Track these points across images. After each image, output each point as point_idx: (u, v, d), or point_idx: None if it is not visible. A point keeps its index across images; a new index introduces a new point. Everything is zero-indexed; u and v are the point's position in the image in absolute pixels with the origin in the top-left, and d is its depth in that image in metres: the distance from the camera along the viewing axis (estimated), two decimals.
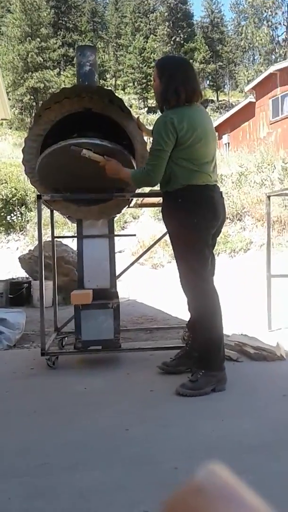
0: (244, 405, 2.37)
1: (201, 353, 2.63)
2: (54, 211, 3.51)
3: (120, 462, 1.77)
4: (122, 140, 3.10)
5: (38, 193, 3.04)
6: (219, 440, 1.93)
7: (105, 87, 3.41)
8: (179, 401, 2.41)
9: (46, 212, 3.58)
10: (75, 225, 3.41)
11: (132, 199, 3.36)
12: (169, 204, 2.65)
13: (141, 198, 3.54)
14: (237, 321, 4.40)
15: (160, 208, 2.81)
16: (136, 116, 3.15)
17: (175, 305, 5.22)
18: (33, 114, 30.89)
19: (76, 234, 3.40)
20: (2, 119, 7.78)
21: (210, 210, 2.56)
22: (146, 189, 3.65)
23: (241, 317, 4.70)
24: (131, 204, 3.57)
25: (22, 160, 3.02)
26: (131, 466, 1.74)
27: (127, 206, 3.45)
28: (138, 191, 3.17)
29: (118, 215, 3.62)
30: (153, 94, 2.94)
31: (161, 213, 2.80)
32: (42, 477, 1.68)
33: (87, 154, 2.73)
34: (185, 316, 3.90)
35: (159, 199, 3.16)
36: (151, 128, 2.97)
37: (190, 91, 2.52)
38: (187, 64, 2.72)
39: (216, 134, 3.05)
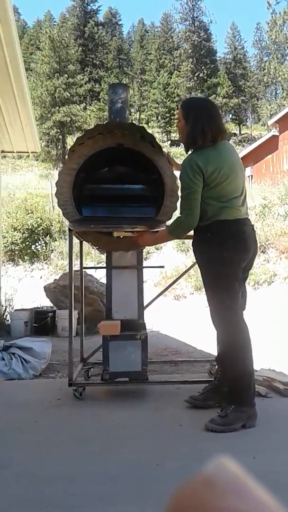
0: (275, 441, 2.32)
1: (231, 388, 2.59)
2: (84, 242, 3.58)
3: (153, 496, 1.75)
4: (152, 174, 3.18)
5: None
6: (253, 478, 1.89)
7: (136, 124, 3.52)
8: (209, 436, 2.38)
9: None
10: (99, 255, 3.48)
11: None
12: (199, 238, 2.68)
13: None
14: (264, 355, 4.33)
15: (183, 240, 2.85)
16: (166, 151, 3.24)
17: (199, 337, 5.19)
18: (62, 147, 31.50)
19: (101, 265, 3.46)
20: (31, 152, 8.04)
21: (240, 244, 2.57)
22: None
23: (267, 351, 4.63)
24: None
25: (56, 193, 3.10)
26: (164, 501, 1.71)
27: None
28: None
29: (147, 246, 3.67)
30: (176, 128, 3.04)
31: (191, 246, 2.83)
32: (76, 508, 1.67)
33: (118, 234, 3.05)
34: (210, 349, 3.87)
35: None
36: (180, 161, 3.04)
37: (215, 129, 2.58)
38: (211, 104, 2.82)
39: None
